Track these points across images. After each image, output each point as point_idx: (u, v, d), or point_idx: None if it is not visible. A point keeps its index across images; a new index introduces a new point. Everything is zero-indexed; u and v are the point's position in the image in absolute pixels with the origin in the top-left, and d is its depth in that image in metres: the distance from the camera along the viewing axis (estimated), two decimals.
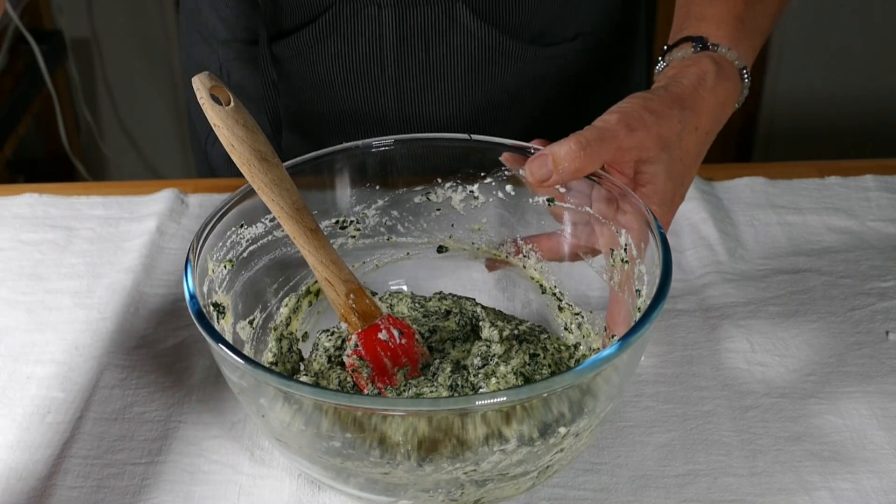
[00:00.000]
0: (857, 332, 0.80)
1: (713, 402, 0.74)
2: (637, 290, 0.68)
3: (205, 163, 1.13)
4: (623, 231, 0.70)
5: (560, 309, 0.77)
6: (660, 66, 0.79)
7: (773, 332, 0.80)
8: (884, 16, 2.22)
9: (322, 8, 0.94)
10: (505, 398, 0.57)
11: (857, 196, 0.96)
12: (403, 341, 0.70)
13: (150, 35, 2.38)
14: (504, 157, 0.75)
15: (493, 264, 0.80)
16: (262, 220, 0.73)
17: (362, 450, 0.58)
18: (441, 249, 0.80)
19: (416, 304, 0.76)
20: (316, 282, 0.74)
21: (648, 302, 0.62)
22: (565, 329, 0.76)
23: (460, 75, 0.97)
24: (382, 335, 0.70)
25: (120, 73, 2.44)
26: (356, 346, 0.70)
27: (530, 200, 0.76)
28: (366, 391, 0.69)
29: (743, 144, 2.38)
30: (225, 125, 0.64)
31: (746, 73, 0.78)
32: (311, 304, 0.77)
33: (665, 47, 0.80)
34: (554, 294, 0.78)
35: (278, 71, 0.98)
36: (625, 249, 0.70)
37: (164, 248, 0.92)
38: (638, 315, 0.66)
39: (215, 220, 0.69)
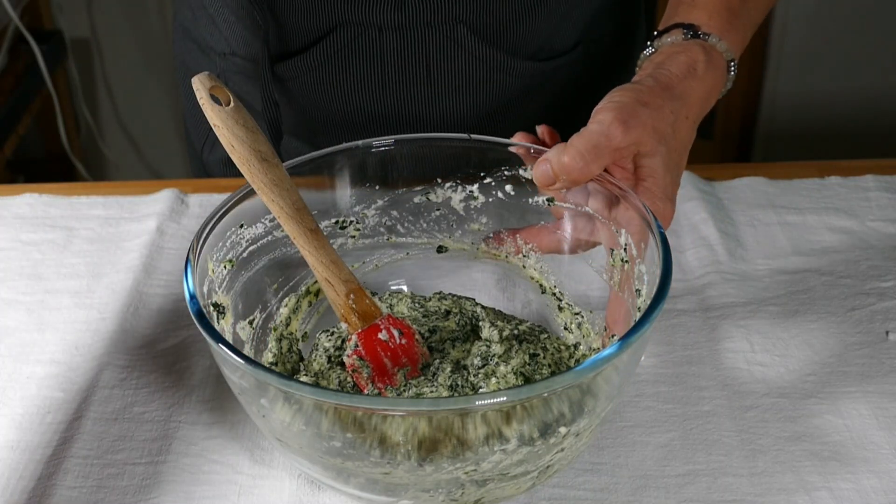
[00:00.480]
0: (857, 332, 0.80)
1: (713, 402, 0.74)
2: (637, 290, 0.68)
3: (201, 169, 1.13)
4: (623, 231, 0.70)
5: (560, 309, 0.77)
6: (647, 51, 0.79)
7: (773, 332, 0.80)
8: (884, 16, 2.22)
9: (324, 31, 0.94)
10: (505, 398, 0.57)
11: (857, 196, 0.96)
12: (403, 341, 0.70)
13: (150, 35, 2.38)
14: (516, 149, 0.75)
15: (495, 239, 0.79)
16: (262, 220, 0.73)
17: (362, 450, 0.58)
18: (441, 249, 0.80)
19: (416, 304, 0.76)
20: (316, 282, 0.74)
21: (648, 302, 0.62)
22: (565, 329, 0.76)
23: (461, 93, 0.98)
24: (382, 335, 0.70)
25: (120, 73, 2.44)
26: (356, 346, 0.70)
27: (530, 200, 0.76)
28: (366, 391, 0.69)
29: (743, 144, 2.38)
30: (225, 125, 0.64)
31: (733, 65, 0.78)
32: (311, 304, 0.77)
33: (655, 33, 0.80)
34: (554, 294, 0.78)
35: (279, 90, 0.99)
36: (625, 249, 0.70)
37: (164, 248, 0.92)
38: (638, 315, 0.66)
39: (215, 220, 0.69)
